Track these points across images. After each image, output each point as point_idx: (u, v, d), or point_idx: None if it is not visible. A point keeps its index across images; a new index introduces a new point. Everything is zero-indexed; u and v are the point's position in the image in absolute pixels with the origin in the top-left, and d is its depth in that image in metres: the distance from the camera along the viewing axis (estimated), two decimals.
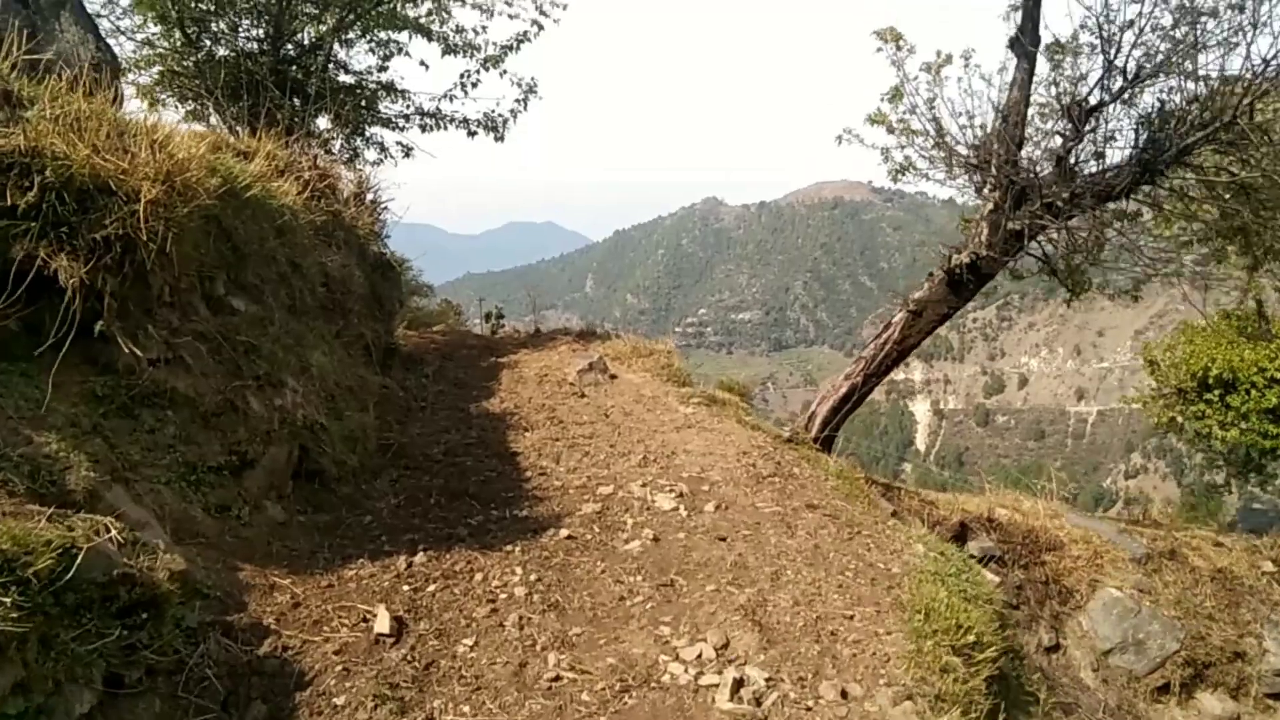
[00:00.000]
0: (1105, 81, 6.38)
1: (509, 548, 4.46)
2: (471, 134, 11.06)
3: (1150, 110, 6.37)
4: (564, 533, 4.63)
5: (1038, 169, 6.73)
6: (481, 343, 10.80)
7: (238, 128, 7.86)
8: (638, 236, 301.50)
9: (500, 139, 11.09)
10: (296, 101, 9.89)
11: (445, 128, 11.06)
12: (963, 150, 7.94)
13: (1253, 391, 10.19)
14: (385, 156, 11.06)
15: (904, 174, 8.43)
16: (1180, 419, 11.83)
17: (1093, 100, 6.50)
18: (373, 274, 8.64)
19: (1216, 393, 10.69)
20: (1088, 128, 6.54)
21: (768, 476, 5.89)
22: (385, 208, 9.66)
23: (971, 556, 7.50)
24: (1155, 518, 12.53)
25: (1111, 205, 6.80)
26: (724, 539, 4.66)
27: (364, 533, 4.68)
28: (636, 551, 4.48)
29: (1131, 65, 6.33)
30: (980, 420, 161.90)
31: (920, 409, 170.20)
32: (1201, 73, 6.17)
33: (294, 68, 10.12)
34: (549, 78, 10.79)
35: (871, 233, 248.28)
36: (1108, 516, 10.90)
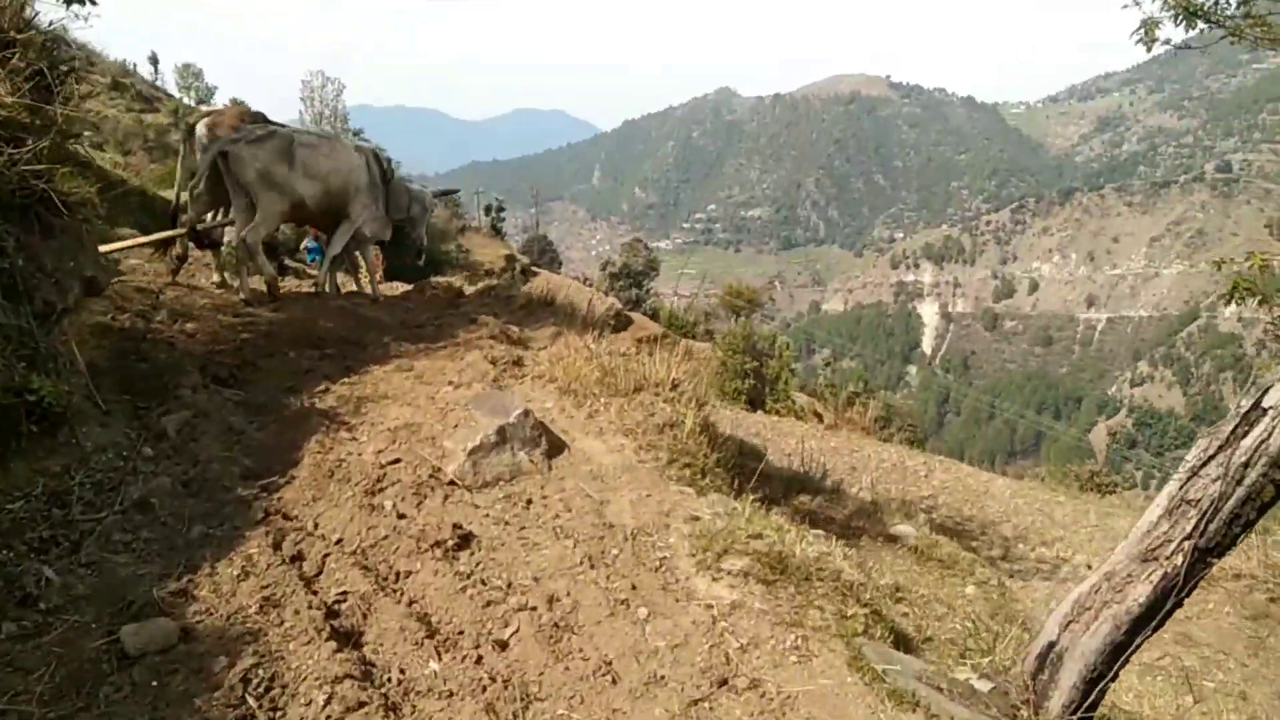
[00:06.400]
0: None
1: None
2: None
3: None
4: None
5: None
6: (343, 323, 6.28)
7: None
8: (648, 127, 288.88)
9: None
10: None
11: None
12: None
13: None
14: None
15: (1192, 19, 3.81)
16: None
17: None
18: None
19: None
20: None
21: None
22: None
23: None
24: None
25: None
26: None
27: None
28: None
29: None
30: (988, 324, 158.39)
31: (928, 311, 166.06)
32: None
33: None
34: None
35: (887, 130, 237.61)
36: None
